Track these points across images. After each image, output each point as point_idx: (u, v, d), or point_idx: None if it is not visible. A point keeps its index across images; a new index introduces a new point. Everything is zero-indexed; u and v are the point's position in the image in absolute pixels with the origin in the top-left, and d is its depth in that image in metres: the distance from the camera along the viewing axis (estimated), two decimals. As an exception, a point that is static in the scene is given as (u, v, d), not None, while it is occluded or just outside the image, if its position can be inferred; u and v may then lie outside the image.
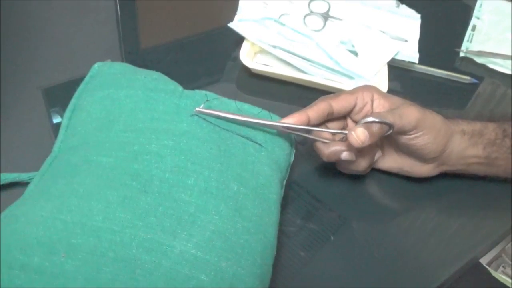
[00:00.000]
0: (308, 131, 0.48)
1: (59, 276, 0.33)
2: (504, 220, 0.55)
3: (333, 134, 0.50)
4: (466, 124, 0.52)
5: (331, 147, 0.47)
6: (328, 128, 0.50)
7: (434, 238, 0.52)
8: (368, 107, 0.50)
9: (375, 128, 0.45)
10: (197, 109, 0.45)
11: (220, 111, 0.45)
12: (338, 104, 0.48)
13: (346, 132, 0.46)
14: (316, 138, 0.48)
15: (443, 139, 0.49)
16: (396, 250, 0.50)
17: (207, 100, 0.46)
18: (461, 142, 0.51)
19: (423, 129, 0.48)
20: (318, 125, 0.48)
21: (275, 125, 0.46)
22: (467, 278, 0.62)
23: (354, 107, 0.49)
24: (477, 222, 0.54)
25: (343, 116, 0.51)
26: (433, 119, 0.49)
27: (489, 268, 0.77)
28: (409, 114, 0.47)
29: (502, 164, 0.52)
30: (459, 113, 0.67)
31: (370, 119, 0.45)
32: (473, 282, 0.66)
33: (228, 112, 0.45)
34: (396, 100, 0.50)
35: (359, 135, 0.44)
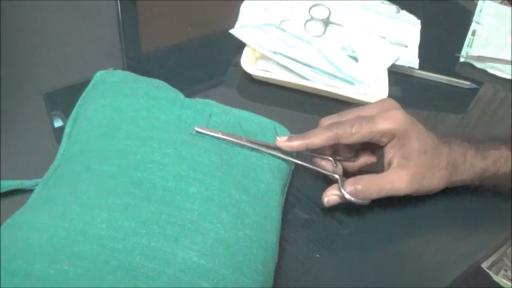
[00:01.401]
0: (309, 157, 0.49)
1: (62, 284, 0.33)
2: (505, 224, 0.55)
3: (335, 164, 0.50)
4: (480, 160, 0.50)
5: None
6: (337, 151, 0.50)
7: (435, 243, 0.52)
8: (380, 144, 0.47)
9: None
10: (196, 128, 0.45)
11: (219, 132, 0.46)
12: (347, 141, 0.45)
13: (336, 176, 0.47)
14: (315, 167, 0.49)
15: (434, 192, 0.50)
16: (397, 255, 0.50)
17: (208, 121, 0.46)
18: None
19: (415, 195, 0.48)
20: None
21: (275, 154, 0.47)
22: (469, 282, 0.62)
23: (366, 141, 0.47)
24: (478, 226, 0.55)
25: None
26: (428, 186, 0.47)
27: (490, 272, 0.77)
28: (398, 189, 0.46)
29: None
30: (457, 118, 0.67)
31: (348, 197, 0.46)
32: (475, 287, 0.67)
33: (227, 134, 0.46)
34: (412, 151, 0.46)
35: (329, 203, 0.47)
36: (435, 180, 0.47)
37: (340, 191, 0.46)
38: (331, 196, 0.47)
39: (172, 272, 0.35)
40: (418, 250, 0.51)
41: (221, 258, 0.37)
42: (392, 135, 0.46)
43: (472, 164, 0.49)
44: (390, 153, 0.47)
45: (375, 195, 0.46)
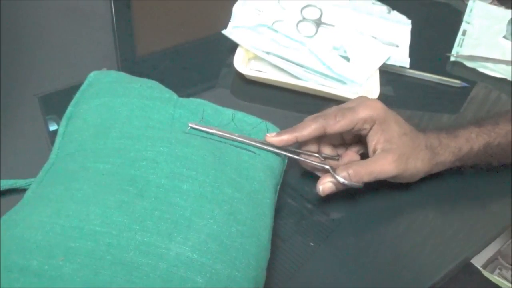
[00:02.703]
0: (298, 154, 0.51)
1: (58, 279, 0.33)
2: (495, 220, 0.56)
3: (322, 159, 0.51)
4: (452, 140, 0.53)
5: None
6: (320, 142, 0.52)
7: (426, 239, 0.52)
8: (363, 132, 0.50)
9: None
10: (190, 124, 0.46)
11: (212, 128, 0.46)
12: (332, 129, 0.48)
13: (326, 167, 0.49)
14: (305, 159, 0.50)
15: (419, 175, 0.52)
16: (388, 252, 0.51)
17: (202, 120, 0.47)
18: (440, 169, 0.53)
19: (402, 180, 0.51)
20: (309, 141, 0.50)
21: (267, 149, 0.47)
22: (459, 278, 0.63)
23: (350, 129, 0.49)
24: (468, 222, 0.55)
25: None
26: (413, 167, 0.50)
27: (483, 271, 0.78)
28: (386, 171, 0.48)
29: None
30: (449, 118, 0.68)
31: (342, 180, 0.47)
32: (465, 283, 0.67)
33: (221, 130, 0.47)
34: (393, 134, 0.49)
35: (325, 191, 0.48)
36: (418, 161, 0.50)
37: (334, 178, 0.47)
38: (326, 183, 0.48)
39: (166, 266, 0.35)
40: (409, 247, 0.52)
41: (214, 253, 0.37)
42: (373, 121, 0.48)
43: (447, 144, 0.52)
44: (373, 140, 0.49)
45: (366, 178, 0.47)
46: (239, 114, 0.49)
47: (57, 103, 0.57)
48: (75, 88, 0.49)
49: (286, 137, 0.47)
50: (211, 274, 0.36)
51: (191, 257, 0.36)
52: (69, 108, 0.48)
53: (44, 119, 0.55)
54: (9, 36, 0.64)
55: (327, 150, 0.52)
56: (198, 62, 0.67)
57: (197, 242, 0.37)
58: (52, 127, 0.55)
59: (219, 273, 0.37)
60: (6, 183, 0.46)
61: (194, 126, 0.46)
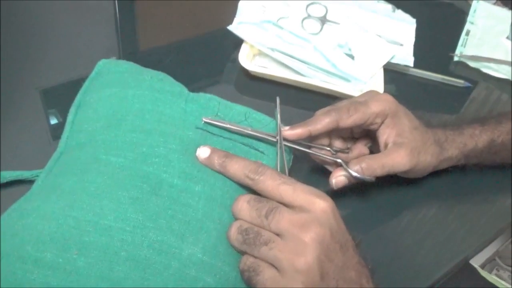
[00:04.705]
0: (309, 147, 0.50)
1: (73, 272, 0.33)
2: (495, 219, 0.56)
3: (334, 152, 0.51)
4: (458, 136, 0.53)
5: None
6: (331, 136, 0.52)
7: (425, 239, 0.53)
8: (374, 127, 0.50)
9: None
10: (204, 119, 0.46)
11: (225, 122, 0.46)
12: (345, 123, 0.48)
13: (339, 160, 0.48)
14: (316, 153, 0.50)
15: (429, 170, 0.52)
16: (387, 250, 0.51)
17: (216, 115, 0.47)
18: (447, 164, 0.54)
19: (412, 174, 0.51)
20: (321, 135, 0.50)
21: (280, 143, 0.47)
22: (457, 278, 0.63)
23: (362, 123, 0.49)
24: (468, 222, 0.56)
25: None
26: (424, 161, 0.50)
27: (481, 270, 0.78)
28: (399, 165, 0.48)
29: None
30: (451, 117, 0.68)
31: (354, 174, 0.47)
32: (463, 282, 0.67)
33: (234, 124, 0.46)
34: (404, 128, 0.49)
35: (338, 184, 0.48)
36: (428, 156, 0.50)
37: (347, 172, 0.47)
38: (338, 177, 0.48)
39: (178, 266, 0.36)
40: (408, 246, 0.52)
41: (223, 256, 0.38)
42: (384, 115, 0.49)
43: (453, 140, 0.53)
44: (385, 134, 0.49)
45: (379, 171, 0.47)
46: (249, 110, 0.49)
47: (58, 96, 0.57)
48: (76, 82, 0.49)
49: (299, 131, 0.47)
50: (220, 276, 0.37)
51: (201, 259, 0.37)
52: (78, 97, 0.47)
53: (45, 113, 0.55)
54: (11, 30, 0.63)
55: (338, 143, 0.53)
56: (203, 57, 0.67)
57: (208, 244, 0.38)
58: (53, 120, 0.54)
59: (227, 274, 0.37)
60: (12, 174, 0.45)
61: (208, 121, 0.46)
